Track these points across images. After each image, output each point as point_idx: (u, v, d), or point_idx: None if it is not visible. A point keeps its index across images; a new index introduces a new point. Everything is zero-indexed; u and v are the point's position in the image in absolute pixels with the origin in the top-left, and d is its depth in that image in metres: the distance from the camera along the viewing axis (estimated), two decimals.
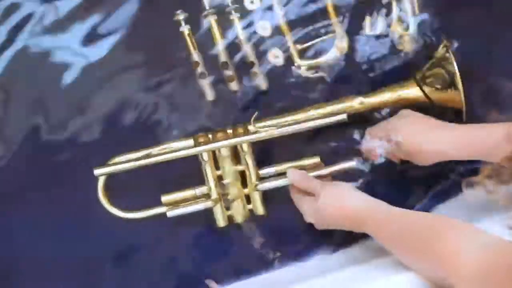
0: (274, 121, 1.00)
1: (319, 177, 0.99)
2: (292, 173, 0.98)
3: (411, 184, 1.06)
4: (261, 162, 1.01)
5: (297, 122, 0.99)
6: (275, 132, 0.99)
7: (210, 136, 0.99)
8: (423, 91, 0.99)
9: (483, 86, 1.06)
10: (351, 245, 1.04)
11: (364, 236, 0.93)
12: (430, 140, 0.94)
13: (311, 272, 1.00)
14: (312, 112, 1.01)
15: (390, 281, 0.86)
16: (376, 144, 0.98)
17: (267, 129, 0.99)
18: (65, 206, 1.05)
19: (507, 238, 0.85)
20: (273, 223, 1.05)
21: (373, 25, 1.05)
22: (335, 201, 0.92)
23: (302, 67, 1.05)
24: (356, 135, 1.03)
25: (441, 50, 1.00)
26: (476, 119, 1.01)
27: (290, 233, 1.06)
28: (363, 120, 1.04)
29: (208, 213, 1.00)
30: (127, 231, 1.04)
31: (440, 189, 1.06)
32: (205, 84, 1.04)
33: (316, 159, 1.01)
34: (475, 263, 0.73)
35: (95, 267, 1.05)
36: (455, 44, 1.01)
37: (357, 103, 1.01)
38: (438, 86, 0.99)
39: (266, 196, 1.01)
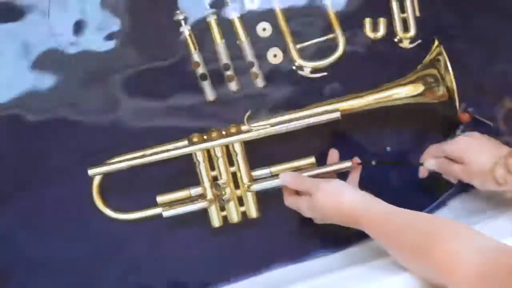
0: (268, 121, 1.00)
1: (320, 175, 0.99)
2: (284, 176, 0.98)
3: (422, 188, 1.06)
4: (258, 164, 1.01)
5: (290, 121, 0.99)
6: (267, 131, 0.99)
7: (204, 136, 0.99)
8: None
9: (493, 76, 1.06)
10: (351, 245, 1.04)
11: (364, 236, 0.93)
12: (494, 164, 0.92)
13: (311, 272, 1.00)
14: (307, 112, 1.00)
15: (390, 282, 0.86)
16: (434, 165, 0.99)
17: (260, 127, 0.99)
18: (63, 206, 1.04)
19: (510, 236, 0.85)
20: (273, 223, 1.05)
21: (373, 26, 1.06)
22: (331, 197, 0.92)
23: (305, 68, 1.05)
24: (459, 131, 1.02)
25: (434, 50, 1.01)
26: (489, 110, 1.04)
27: (290, 233, 1.07)
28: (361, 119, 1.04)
29: (205, 214, 1.01)
30: (125, 231, 1.04)
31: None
32: (206, 84, 1.04)
33: (312, 159, 1.01)
34: (472, 267, 0.73)
35: (93, 266, 1.05)
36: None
37: (352, 102, 1.01)
38: (432, 86, 0.99)
39: (265, 196, 1.01)
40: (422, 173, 1.03)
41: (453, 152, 0.97)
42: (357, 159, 1.00)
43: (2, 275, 1.04)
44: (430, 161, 1.01)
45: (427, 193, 1.06)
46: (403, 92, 1.00)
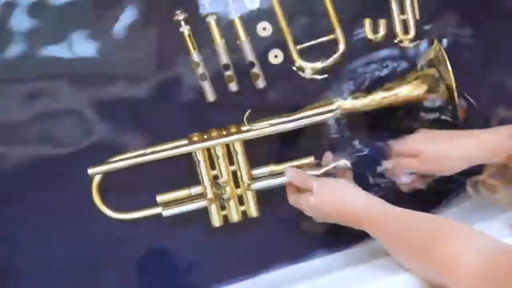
0: (267, 121, 1.00)
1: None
2: (289, 171, 0.98)
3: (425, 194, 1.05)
4: (256, 164, 1.01)
5: (290, 121, 0.99)
6: (267, 130, 0.99)
7: (205, 135, 0.99)
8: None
9: (489, 83, 1.06)
10: (351, 245, 1.05)
11: (364, 236, 0.93)
12: (455, 149, 0.95)
13: (311, 272, 1.01)
14: (307, 112, 1.01)
15: (390, 282, 0.86)
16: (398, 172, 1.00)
17: (260, 127, 0.99)
18: (62, 206, 1.04)
19: (508, 237, 0.85)
20: (273, 222, 1.05)
21: (373, 27, 1.05)
22: (332, 197, 0.93)
23: (305, 69, 1.05)
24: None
25: (433, 50, 1.01)
26: (483, 117, 1.04)
27: (289, 233, 1.07)
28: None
29: (205, 213, 1.01)
30: (125, 231, 1.04)
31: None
32: (205, 84, 1.04)
33: (310, 159, 1.01)
34: (473, 267, 0.73)
35: (93, 266, 1.05)
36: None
37: (352, 102, 1.01)
38: (432, 86, 1.00)
39: (265, 196, 1.02)
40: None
41: (406, 148, 0.98)
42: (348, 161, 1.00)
43: (2, 275, 1.04)
44: (387, 162, 1.01)
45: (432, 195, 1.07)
46: (403, 92, 1.01)
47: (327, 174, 0.99)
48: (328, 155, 1.02)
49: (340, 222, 0.94)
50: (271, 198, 1.02)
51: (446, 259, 0.77)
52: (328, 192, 0.93)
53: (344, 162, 0.99)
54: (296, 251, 1.06)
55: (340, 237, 1.03)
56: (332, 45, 1.04)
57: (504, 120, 1.04)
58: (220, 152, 0.99)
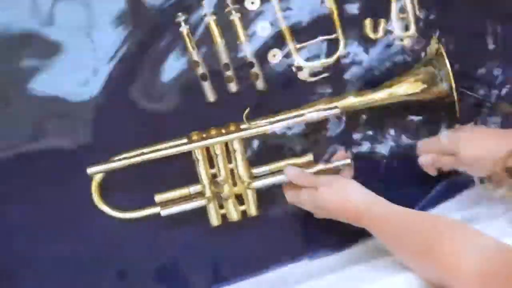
0: (267, 119, 1.00)
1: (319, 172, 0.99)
2: (290, 170, 0.98)
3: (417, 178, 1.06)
4: (256, 162, 1.01)
5: (290, 118, 0.99)
6: (266, 128, 0.99)
7: (204, 134, 0.99)
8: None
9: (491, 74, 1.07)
10: (351, 245, 1.05)
11: (364, 236, 0.93)
12: (494, 151, 0.93)
13: (311, 272, 1.01)
14: (307, 109, 1.01)
15: (390, 281, 0.86)
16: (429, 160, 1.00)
17: (259, 125, 0.99)
18: (62, 206, 1.04)
19: (510, 234, 0.85)
20: (273, 222, 1.05)
21: (374, 26, 1.05)
22: (335, 194, 0.93)
23: (305, 68, 1.05)
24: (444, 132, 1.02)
25: (432, 47, 1.01)
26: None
27: (290, 233, 1.07)
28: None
29: (205, 213, 1.01)
30: (125, 231, 1.04)
31: (449, 184, 1.06)
32: (206, 85, 1.04)
33: (310, 157, 1.01)
34: (474, 266, 0.74)
35: (92, 266, 1.05)
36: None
37: (351, 101, 1.01)
38: (431, 84, 1.00)
39: (265, 196, 1.01)
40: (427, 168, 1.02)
41: (446, 145, 0.97)
42: (349, 154, 1.00)
43: (2, 275, 1.04)
44: (424, 156, 1.00)
45: (419, 187, 1.07)
46: (402, 90, 1.01)
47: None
48: (340, 152, 1.01)
49: (342, 219, 0.94)
50: (271, 197, 1.02)
51: (447, 258, 0.77)
52: (333, 189, 0.93)
53: (346, 161, 0.99)
54: (296, 251, 1.06)
55: (341, 236, 1.03)
56: (332, 44, 1.05)
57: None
58: (218, 150, 0.99)
